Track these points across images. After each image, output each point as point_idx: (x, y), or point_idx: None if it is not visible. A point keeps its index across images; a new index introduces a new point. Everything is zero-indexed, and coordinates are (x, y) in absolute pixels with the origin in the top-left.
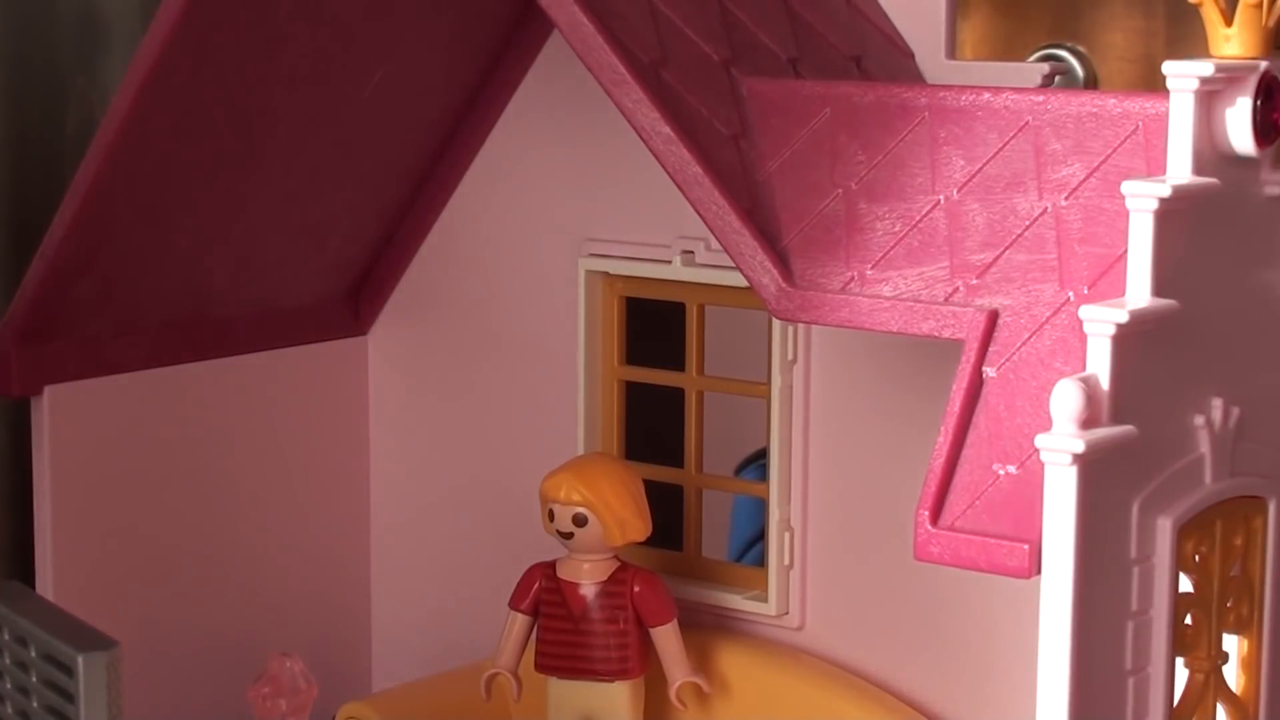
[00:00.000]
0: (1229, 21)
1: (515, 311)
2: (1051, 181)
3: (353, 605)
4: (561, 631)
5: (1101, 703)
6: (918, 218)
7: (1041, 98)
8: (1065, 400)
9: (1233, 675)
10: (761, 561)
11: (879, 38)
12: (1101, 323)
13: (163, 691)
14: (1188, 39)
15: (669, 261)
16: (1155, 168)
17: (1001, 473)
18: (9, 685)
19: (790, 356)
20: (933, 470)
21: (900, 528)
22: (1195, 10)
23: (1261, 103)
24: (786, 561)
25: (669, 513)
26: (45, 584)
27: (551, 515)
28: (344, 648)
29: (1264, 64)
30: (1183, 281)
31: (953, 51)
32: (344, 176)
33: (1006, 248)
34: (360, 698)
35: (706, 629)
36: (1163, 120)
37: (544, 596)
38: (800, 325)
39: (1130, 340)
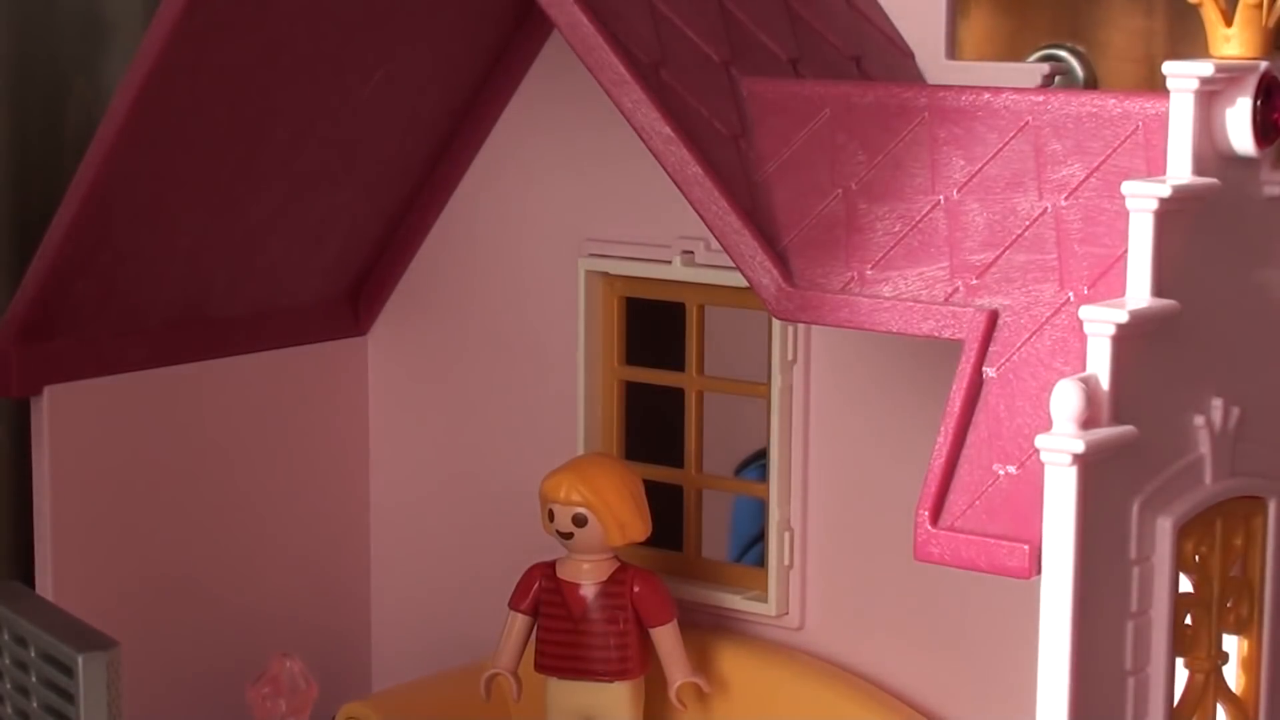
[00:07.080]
0: (1229, 21)
1: (515, 312)
2: (1051, 181)
3: (353, 605)
4: (561, 632)
5: (1101, 703)
6: (917, 218)
7: (1041, 98)
8: (1065, 400)
9: (1233, 675)
10: (761, 561)
11: (879, 38)
12: (1101, 323)
13: (163, 691)
14: (1188, 39)
15: (669, 261)
16: (1155, 168)
17: (1001, 473)
18: (9, 685)
19: (790, 356)
20: (933, 470)
21: (900, 528)
22: (1195, 10)
23: (1261, 103)
24: (786, 561)
25: (669, 513)
26: (45, 584)
27: (551, 515)
28: (344, 648)
29: (1264, 64)
30: (1183, 282)
31: (953, 51)
32: (344, 176)
33: (1006, 248)
34: (360, 698)
35: (706, 629)
36: (1163, 120)
37: (544, 597)
38: (800, 325)
39: (1130, 340)
